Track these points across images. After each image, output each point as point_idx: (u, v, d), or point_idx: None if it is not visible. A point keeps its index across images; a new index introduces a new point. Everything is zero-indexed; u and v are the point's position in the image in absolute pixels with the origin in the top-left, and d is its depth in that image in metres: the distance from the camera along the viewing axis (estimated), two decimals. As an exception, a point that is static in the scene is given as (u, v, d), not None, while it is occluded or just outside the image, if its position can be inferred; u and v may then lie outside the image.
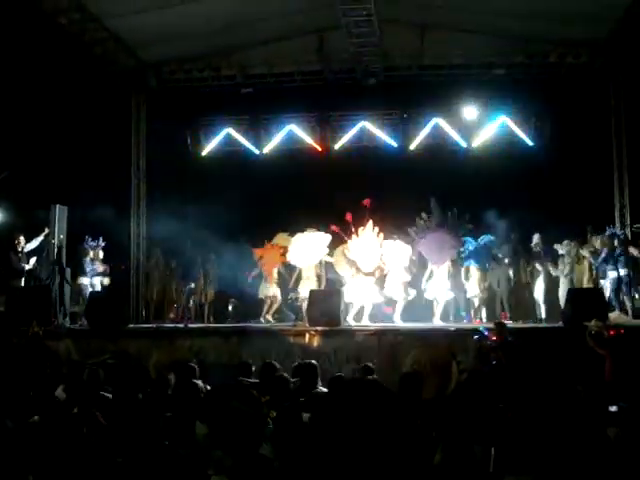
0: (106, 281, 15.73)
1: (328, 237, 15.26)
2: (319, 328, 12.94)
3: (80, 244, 15.44)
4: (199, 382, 7.59)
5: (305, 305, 14.55)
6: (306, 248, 15.30)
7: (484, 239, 15.44)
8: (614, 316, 13.51)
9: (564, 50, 16.39)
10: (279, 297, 16.17)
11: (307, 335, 12.73)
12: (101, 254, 15.58)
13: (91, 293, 15.02)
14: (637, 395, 6.26)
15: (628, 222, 16.10)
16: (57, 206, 14.79)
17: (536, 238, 15.17)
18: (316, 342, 12.52)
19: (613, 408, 5.63)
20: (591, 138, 16.55)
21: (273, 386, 6.76)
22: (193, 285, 16.85)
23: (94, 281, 15.41)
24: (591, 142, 16.53)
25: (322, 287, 15.21)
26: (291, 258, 15.41)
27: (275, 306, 16.18)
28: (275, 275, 16.04)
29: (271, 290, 16.02)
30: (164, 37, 15.63)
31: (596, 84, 16.61)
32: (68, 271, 14.77)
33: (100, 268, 15.55)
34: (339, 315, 13.73)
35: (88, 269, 15.31)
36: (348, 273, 15.18)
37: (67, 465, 4.99)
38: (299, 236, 15.52)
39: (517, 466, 4.49)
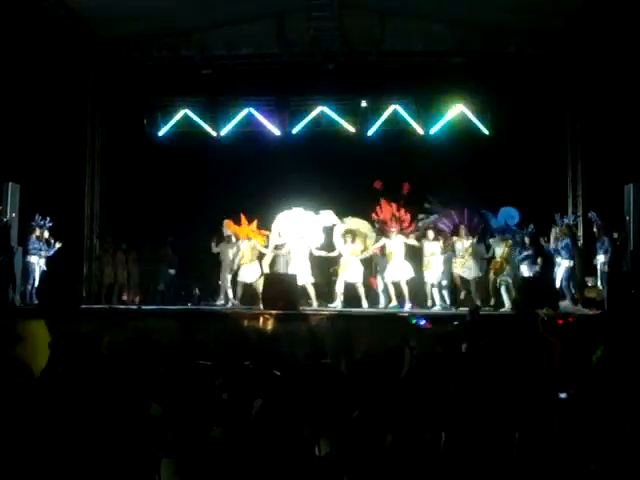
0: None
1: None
2: (274, 312, 12.94)
3: (28, 222, 14.96)
4: None
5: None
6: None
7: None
8: (564, 304, 13.71)
9: (522, 40, 16.49)
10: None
11: (261, 318, 12.72)
12: (46, 234, 15.15)
13: (43, 273, 14.76)
14: (585, 382, 6.37)
15: (580, 212, 16.31)
16: (10, 184, 14.56)
17: None
18: (270, 325, 12.51)
19: (562, 395, 5.71)
20: (546, 128, 16.73)
21: (227, 368, 6.74)
22: (173, 271, 16.89)
23: (40, 261, 14.78)
24: (546, 132, 16.71)
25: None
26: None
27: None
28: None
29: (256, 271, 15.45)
30: (122, 15, 15.40)
31: (553, 75, 16.78)
32: (20, 250, 14.53)
33: (45, 248, 15.11)
34: (295, 299, 13.72)
35: (31, 247, 14.62)
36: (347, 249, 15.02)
37: (16, 445, 4.93)
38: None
39: (468, 450, 4.53)
